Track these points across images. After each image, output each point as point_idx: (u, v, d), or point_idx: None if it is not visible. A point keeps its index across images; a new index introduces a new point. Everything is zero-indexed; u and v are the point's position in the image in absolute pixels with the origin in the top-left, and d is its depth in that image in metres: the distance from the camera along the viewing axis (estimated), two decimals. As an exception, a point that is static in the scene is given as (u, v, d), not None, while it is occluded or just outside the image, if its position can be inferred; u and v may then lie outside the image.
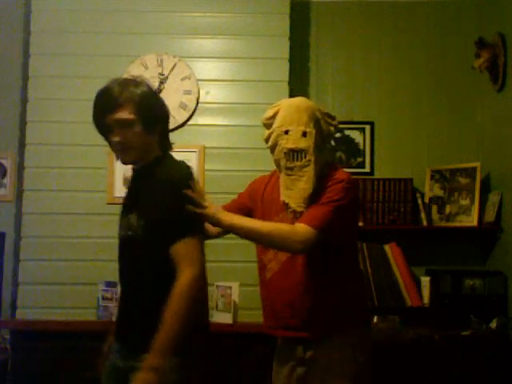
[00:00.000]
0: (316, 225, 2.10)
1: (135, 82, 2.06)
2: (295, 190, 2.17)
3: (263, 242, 2.20)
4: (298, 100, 2.29)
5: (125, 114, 1.97)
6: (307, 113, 2.19)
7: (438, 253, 3.78)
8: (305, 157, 2.15)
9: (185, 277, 1.88)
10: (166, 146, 2.10)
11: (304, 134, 2.15)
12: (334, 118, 2.25)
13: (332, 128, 2.24)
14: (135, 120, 1.97)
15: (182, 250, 1.92)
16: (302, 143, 2.15)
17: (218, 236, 2.41)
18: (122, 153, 2.03)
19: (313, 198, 2.16)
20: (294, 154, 2.16)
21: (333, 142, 3.82)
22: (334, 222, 2.13)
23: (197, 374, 2.00)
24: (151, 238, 1.96)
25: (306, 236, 2.09)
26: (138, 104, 1.98)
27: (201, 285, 1.92)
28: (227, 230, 2.19)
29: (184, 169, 2.04)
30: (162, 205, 1.95)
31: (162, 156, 2.06)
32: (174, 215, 1.94)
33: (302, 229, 2.10)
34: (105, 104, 2.00)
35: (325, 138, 2.23)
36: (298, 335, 2.25)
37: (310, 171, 2.15)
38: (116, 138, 2.00)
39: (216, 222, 2.11)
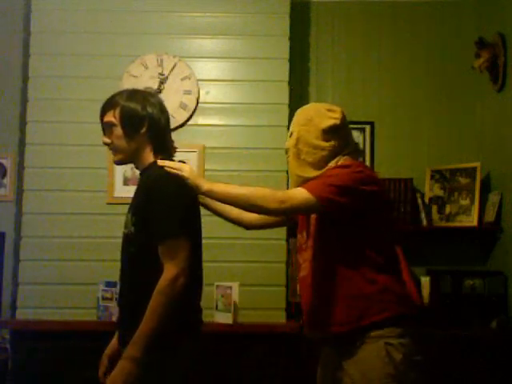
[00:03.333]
0: (312, 189, 2.06)
1: (134, 91, 2.21)
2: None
3: (243, 203, 2.12)
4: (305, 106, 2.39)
5: (109, 117, 2.14)
6: (298, 115, 2.30)
7: (438, 253, 3.78)
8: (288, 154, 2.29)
9: (165, 275, 1.95)
10: (162, 151, 2.16)
11: (290, 135, 2.29)
12: (334, 111, 2.27)
13: (331, 121, 2.23)
14: (116, 123, 2.12)
15: (166, 249, 1.99)
16: (287, 143, 2.29)
17: (255, 226, 2.42)
18: (112, 153, 2.19)
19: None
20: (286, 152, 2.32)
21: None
22: (339, 202, 2.05)
23: (180, 372, 2.03)
24: (141, 236, 2.04)
25: (294, 195, 2.08)
26: (121, 109, 2.12)
27: (182, 284, 1.95)
28: (206, 195, 2.16)
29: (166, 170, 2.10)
30: (149, 204, 2.02)
31: (155, 160, 2.13)
32: (160, 215, 2.00)
33: (294, 190, 2.12)
34: (101, 107, 2.18)
35: (322, 133, 2.22)
36: (309, 332, 2.25)
37: (290, 168, 2.27)
38: (103, 139, 2.17)
39: (195, 188, 2.10)
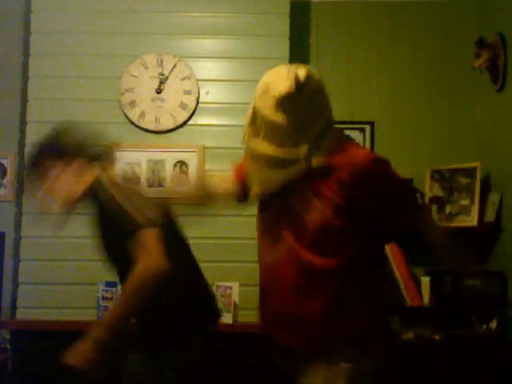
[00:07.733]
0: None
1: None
2: None
3: None
4: None
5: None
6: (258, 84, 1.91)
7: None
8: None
9: (139, 266, 1.94)
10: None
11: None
12: (291, 72, 1.78)
13: (286, 87, 1.75)
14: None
15: (133, 243, 2.00)
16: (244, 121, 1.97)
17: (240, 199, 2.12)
18: None
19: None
20: None
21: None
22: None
23: (172, 368, 2.07)
24: (120, 232, 2.08)
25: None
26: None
27: (158, 275, 1.93)
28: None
29: None
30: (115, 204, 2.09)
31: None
32: (123, 210, 2.05)
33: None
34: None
35: (277, 103, 1.76)
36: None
37: (255, 148, 1.97)
38: None
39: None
